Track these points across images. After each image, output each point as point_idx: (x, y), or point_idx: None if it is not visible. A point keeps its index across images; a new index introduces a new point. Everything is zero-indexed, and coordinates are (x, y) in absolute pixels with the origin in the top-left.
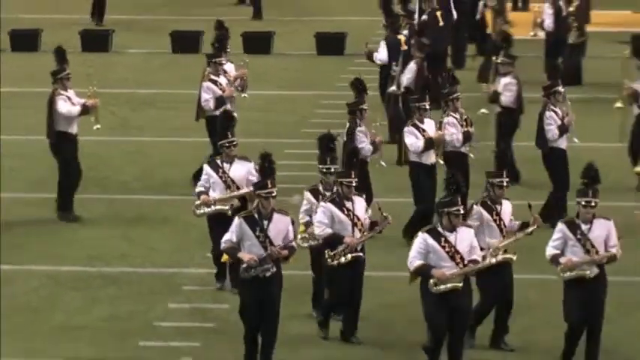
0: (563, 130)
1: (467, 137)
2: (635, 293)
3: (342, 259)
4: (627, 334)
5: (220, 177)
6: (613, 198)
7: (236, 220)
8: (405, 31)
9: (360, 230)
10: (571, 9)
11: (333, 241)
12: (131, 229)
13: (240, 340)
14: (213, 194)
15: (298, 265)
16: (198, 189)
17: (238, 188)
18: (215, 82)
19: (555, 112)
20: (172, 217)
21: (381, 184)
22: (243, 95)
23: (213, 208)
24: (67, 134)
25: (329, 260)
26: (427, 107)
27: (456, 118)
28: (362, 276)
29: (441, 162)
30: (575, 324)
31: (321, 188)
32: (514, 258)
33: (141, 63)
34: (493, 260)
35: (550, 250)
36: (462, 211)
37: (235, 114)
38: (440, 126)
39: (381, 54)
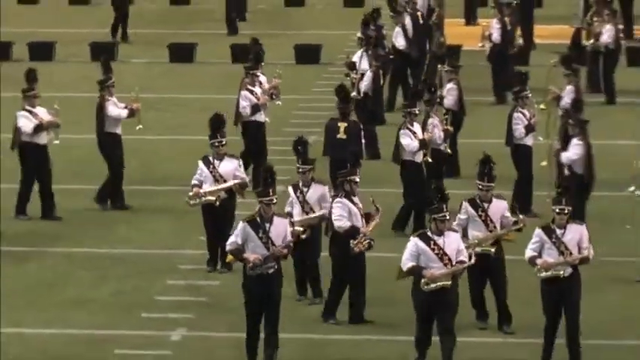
0: (529, 129)
1: (447, 135)
2: None
3: (363, 246)
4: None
5: (211, 172)
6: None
7: (240, 224)
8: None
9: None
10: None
11: (353, 232)
12: (134, 215)
13: (229, 311)
14: (205, 187)
15: None
16: (193, 182)
17: (225, 182)
18: (251, 92)
19: (523, 114)
20: (170, 206)
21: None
22: (277, 102)
23: (203, 199)
24: (115, 135)
25: (355, 249)
26: (417, 112)
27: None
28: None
29: (429, 160)
30: (550, 318)
31: (300, 184)
32: (492, 250)
33: (143, 71)
34: (473, 259)
35: (528, 252)
36: (447, 217)
37: (267, 119)
38: (424, 127)
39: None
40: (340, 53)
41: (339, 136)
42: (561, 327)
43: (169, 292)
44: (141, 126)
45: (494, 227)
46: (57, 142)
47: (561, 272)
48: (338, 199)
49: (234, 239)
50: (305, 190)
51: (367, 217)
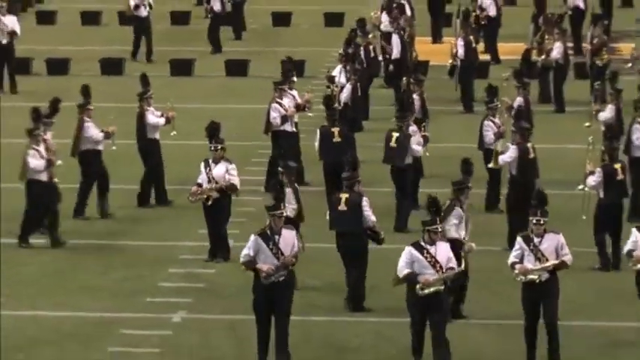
0: (498, 136)
1: (426, 141)
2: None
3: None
4: None
5: (207, 173)
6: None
7: (252, 237)
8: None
9: None
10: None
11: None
12: (139, 211)
13: (224, 297)
14: (203, 186)
15: None
16: (197, 181)
17: (217, 183)
18: (280, 104)
19: (493, 122)
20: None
21: None
22: (309, 114)
23: (198, 197)
24: (154, 140)
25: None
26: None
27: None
28: None
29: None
30: (529, 320)
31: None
32: (473, 245)
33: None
34: (463, 265)
35: (511, 259)
36: (440, 229)
37: (294, 129)
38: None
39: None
40: (322, 67)
41: (335, 140)
42: None
43: (171, 279)
44: (175, 132)
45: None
46: (114, 148)
47: (536, 277)
48: (365, 197)
49: (246, 252)
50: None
51: None
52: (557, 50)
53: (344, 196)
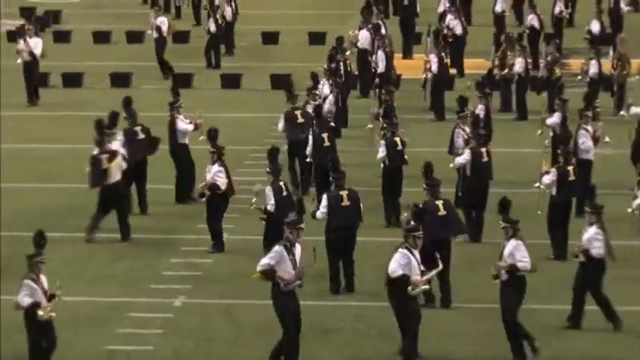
0: (466, 142)
1: (404, 145)
2: None
3: None
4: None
5: (206, 174)
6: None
7: (278, 248)
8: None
9: None
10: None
11: None
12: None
13: (220, 283)
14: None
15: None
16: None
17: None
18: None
19: (463, 130)
20: (169, 201)
21: None
22: (331, 124)
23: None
24: (184, 145)
25: None
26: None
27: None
28: None
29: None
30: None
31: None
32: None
33: (153, 95)
34: (440, 266)
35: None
36: (422, 236)
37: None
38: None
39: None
40: (306, 81)
41: (325, 144)
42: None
43: (173, 268)
44: (203, 137)
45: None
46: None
47: (501, 277)
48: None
49: (267, 261)
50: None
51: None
52: (519, 65)
53: (344, 193)
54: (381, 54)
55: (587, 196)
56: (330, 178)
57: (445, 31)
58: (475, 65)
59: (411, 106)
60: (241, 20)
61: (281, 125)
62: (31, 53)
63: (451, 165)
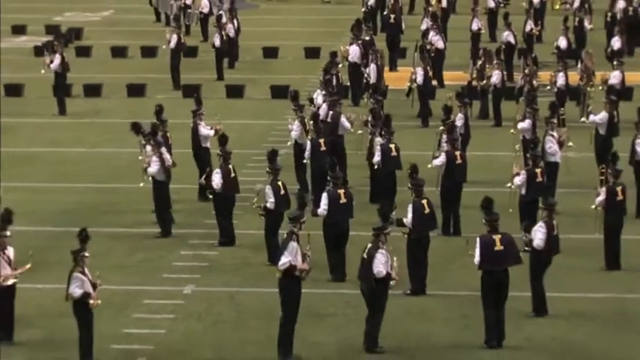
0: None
1: (398, 151)
2: None
3: None
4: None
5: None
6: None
7: (293, 245)
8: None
9: None
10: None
11: None
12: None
13: (225, 273)
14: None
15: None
16: None
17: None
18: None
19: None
20: (183, 199)
21: None
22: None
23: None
24: (205, 148)
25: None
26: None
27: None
28: None
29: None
30: None
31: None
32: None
33: (164, 104)
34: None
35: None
36: (390, 233)
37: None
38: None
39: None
40: (303, 91)
41: (321, 149)
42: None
43: (182, 260)
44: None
45: None
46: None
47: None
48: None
49: (288, 259)
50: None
51: None
52: (495, 76)
53: (341, 191)
54: (373, 67)
55: (543, 194)
56: (328, 178)
57: (428, 47)
58: (454, 77)
59: (397, 113)
60: (244, 37)
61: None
62: (62, 64)
63: (429, 166)
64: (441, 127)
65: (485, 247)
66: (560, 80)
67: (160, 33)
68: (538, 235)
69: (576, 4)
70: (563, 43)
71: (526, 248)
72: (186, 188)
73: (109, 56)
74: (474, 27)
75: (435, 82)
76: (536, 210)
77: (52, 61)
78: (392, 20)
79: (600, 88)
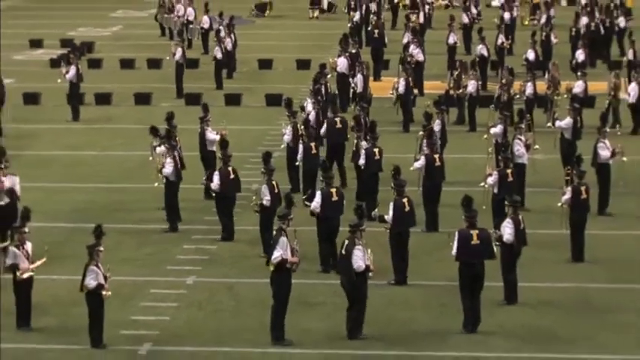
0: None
1: (381, 155)
2: None
3: None
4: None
5: None
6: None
7: (283, 240)
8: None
9: None
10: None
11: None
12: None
13: (224, 266)
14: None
15: None
16: None
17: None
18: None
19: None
20: (186, 197)
21: None
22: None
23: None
24: (212, 151)
25: None
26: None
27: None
28: None
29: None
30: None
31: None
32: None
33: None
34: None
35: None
36: (365, 230)
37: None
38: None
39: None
40: (294, 99)
41: (312, 152)
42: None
43: (185, 253)
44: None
45: None
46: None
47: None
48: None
49: (280, 253)
50: None
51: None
52: (471, 86)
53: (333, 190)
54: (359, 77)
55: (509, 193)
56: (321, 178)
57: (409, 59)
58: (433, 86)
59: (381, 119)
60: (241, 50)
61: (323, 130)
62: (77, 74)
63: (411, 168)
64: (421, 132)
65: (463, 241)
66: (529, 89)
67: (164, 46)
68: (507, 230)
69: (543, 20)
70: (531, 55)
71: (497, 243)
72: (188, 188)
73: (118, 67)
74: (451, 41)
75: (415, 91)
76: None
77: (67, 72)
78: (376, 35)
79: (565, 96)
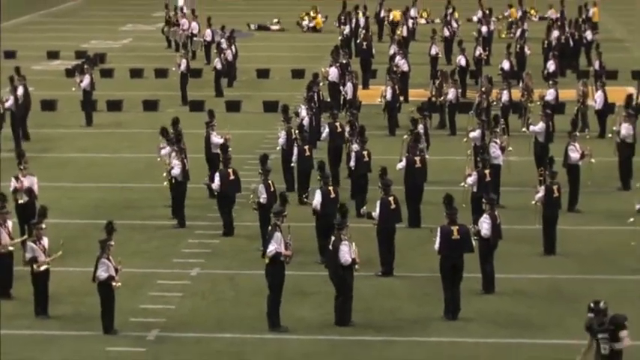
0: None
1: (369, 157)
2: None
3: None
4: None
5: None
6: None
7: (278, 235)
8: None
9: None
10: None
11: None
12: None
13: (225, 258)
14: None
15: None
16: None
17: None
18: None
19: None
20: (190, 195)
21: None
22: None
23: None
24: (216, 154)
25: None
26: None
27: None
28: None
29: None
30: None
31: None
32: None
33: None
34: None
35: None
36: (349, 226)
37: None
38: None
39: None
40: (290, 106)
41: (306, 154)
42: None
43: (190, 246)
44: (230, 149)
45: None
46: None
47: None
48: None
49: (275, 246)
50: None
51: None
52: (451, 94)
53: (331, 188)
54: (349, 85)
55: (485, 191)
56: (318, 178)
57: (395, 69)
58: (417, 94)
59: (369, 124)
60: (241, 60)
61: (324, 135)
62: (91, 83)
63: (397, 168)
64: (405, 136)
65: (444, 236)
66: (505, 97)
67: (170, 58)
68: (484, 225)
69: (518, 33)
70: (506, 65)
71: (475, 237)
72: (192, 187)
73: (128, 77)
74: (433, 52)
75: (401, 98)
76: None
77: (81, 81)
78: (364, 47)
79: (538, 103)
